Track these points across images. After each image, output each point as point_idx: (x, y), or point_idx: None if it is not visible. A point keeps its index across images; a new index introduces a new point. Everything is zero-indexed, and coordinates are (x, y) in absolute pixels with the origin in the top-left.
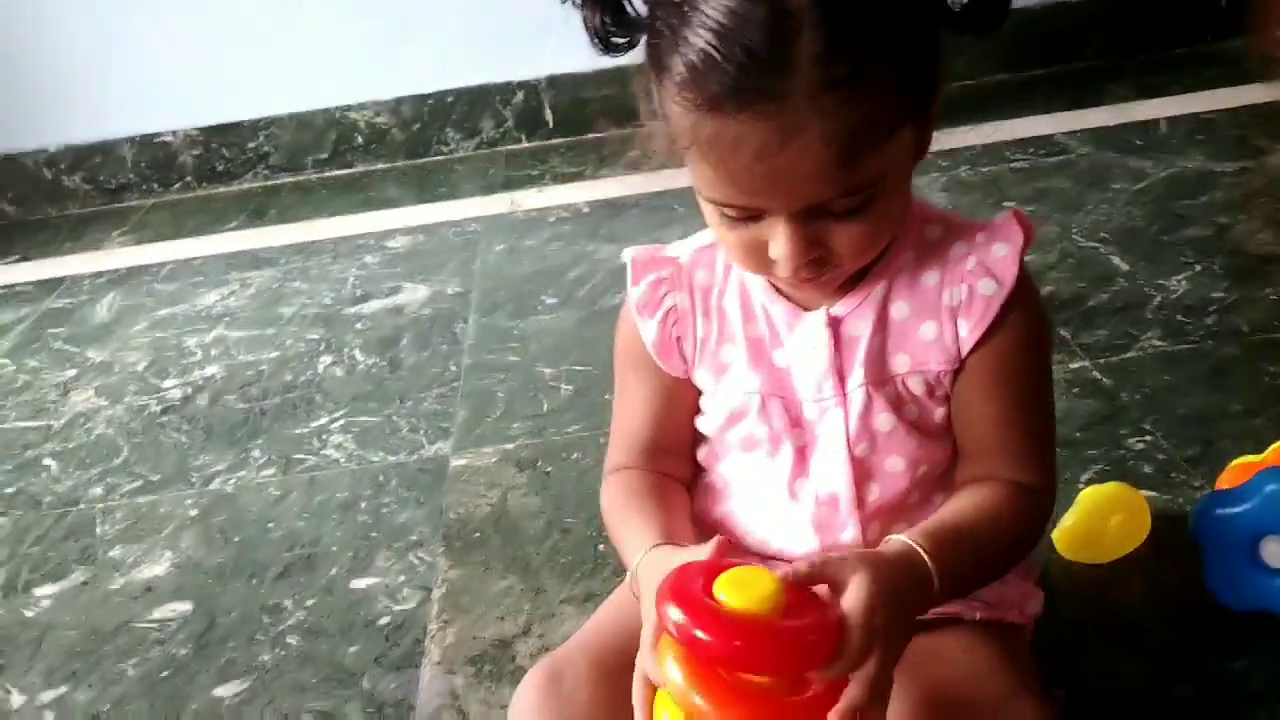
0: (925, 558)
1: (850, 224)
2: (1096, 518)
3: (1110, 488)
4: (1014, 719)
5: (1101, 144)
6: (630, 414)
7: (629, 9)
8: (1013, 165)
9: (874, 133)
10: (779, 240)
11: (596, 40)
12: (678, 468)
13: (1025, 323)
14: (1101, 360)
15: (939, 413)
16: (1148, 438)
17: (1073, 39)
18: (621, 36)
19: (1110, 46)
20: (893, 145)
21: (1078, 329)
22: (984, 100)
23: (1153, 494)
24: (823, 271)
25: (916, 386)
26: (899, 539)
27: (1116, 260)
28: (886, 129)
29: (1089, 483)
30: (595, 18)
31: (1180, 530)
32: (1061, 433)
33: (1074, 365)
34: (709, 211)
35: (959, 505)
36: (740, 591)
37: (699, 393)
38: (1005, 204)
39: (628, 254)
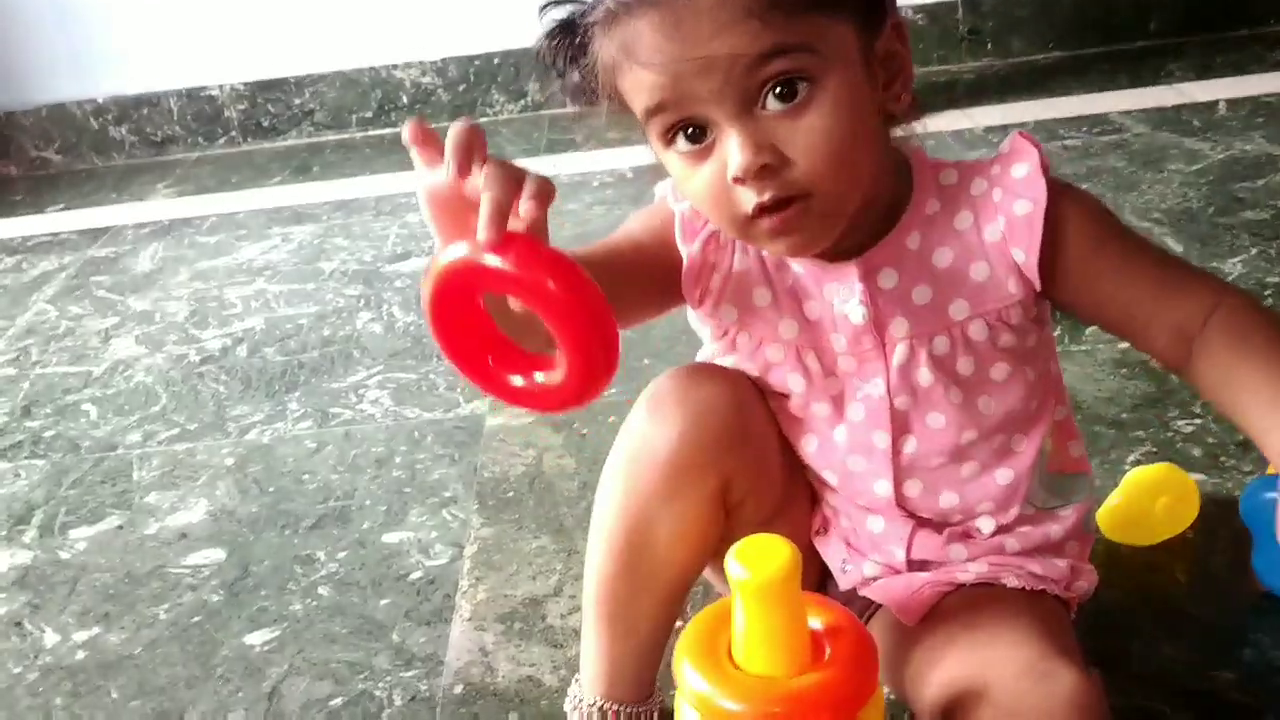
0: None
1: (794, 121)
2: (1143, 499)
3: (1158, 469)
4: (1053, 688)
5: (1158, 124)
6: (613, 238)
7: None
8: (1065, 143)
9: None
10: (731, 148)
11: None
12: None
13: (1082, 205)
14: None
15: (998, 368)
16: (1198, 420)
17: (1133, 18)
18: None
19: (1170, 27)
20: (823, 26)
21: None
22: (1039, 77)
23: (1202, 477)
24: (788, 195)
25: (978, 332)
26: None
27: (1170, 241)
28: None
29: (1136, 464)
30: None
31: (1229, 514)
32: (1109, 413)
33: (1123, 346)
34: (672, 164)
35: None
36: (756, 562)
37: (663, 309)
38: None
39: (661, 185)
